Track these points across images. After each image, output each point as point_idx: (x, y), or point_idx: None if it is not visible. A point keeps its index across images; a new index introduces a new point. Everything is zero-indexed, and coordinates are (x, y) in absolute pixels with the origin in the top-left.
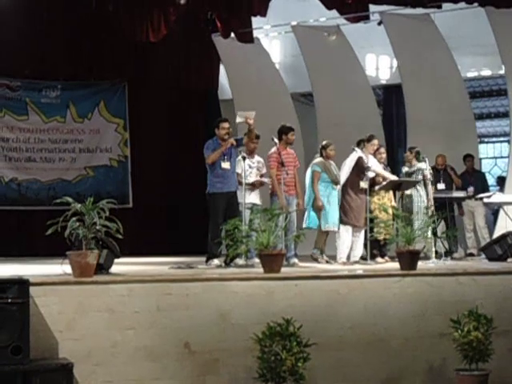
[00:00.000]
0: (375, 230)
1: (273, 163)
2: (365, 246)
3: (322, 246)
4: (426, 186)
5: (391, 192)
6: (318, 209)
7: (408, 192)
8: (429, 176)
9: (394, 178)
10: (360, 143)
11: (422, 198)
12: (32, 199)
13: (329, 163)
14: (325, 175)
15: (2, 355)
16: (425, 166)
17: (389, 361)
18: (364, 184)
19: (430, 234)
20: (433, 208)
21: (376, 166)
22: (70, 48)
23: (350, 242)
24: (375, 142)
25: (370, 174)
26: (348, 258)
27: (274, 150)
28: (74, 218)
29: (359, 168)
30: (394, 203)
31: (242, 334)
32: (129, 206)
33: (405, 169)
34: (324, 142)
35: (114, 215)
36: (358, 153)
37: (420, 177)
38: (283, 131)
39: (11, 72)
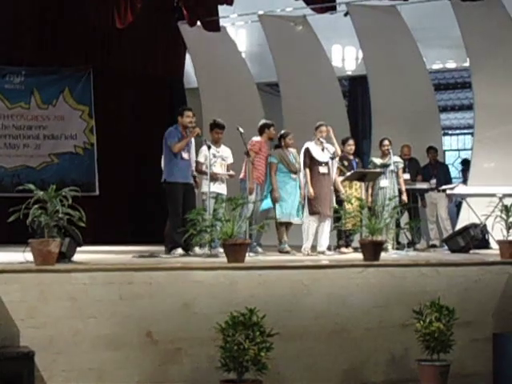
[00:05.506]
0: (341, 220)
1: (255, 148)
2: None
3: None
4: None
5: (359, 183)
6: (275, 200)
7: (384, 184)
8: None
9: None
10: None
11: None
12: None
13: (288, 152)
14: (281, 165)
15: None
16: (398, 159)
17: (351, 351)
18: (323, 169)
19: (393, 225)
20: (398, 199)
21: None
22: (34, 34)
23: (314, 231)
24: (323, 128)
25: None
26: (314, 248)
27: (258, 139)
28: (36, 206)
29: (310, 159)
30: (363, 195)
31: (205, 324)
32: (95, 193)
33: (379, 161)
34: (282, 131)
35: (79, 203)
36: (305, 145)
37: (393, 168)
38: (266, 126)
39: None
